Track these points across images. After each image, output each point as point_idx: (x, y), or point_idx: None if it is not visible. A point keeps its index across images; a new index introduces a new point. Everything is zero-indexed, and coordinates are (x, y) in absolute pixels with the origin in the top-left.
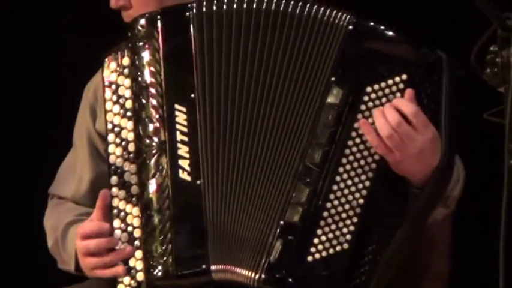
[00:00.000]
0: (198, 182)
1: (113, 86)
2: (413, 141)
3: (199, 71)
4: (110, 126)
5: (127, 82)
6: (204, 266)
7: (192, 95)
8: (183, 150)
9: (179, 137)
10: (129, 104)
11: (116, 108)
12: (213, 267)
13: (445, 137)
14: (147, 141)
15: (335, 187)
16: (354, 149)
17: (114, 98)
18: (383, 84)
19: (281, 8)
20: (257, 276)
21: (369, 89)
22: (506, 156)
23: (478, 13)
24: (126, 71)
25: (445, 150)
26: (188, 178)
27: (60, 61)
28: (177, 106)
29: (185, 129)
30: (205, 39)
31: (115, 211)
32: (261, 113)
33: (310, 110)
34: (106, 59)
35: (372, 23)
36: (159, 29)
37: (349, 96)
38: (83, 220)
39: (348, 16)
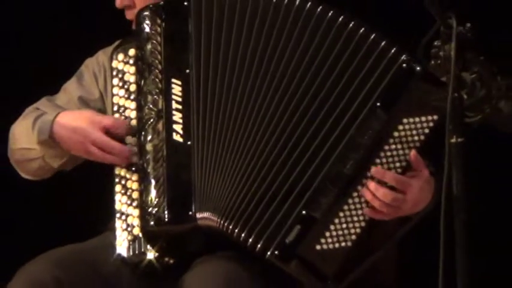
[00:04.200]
0: (189, 143)
1: (120, 74)
2: (406, 202)
3: (194, 51)
4: (115, 108)
5: (132, 70)
6: (190, 213)
7: (187, 71)
8: (177, 117)
9: (174, 105)
10: (133, 88)
11: (122, 92)
12: (198, 215)
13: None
14: (147, 110)
15: (355, 194)
16: (379, 167)
17: (121, 83)
18: (417, 119)
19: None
20: (269, 252)
21: (405, 120)
22: (446, 135)
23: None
24: (131, 60)
25: (438, 192)
26: (180, 140)
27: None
28: (173, 80)
29: (179, 99)
30: (203, 23)
31: (117, 179)
32: (259, 99)
33: (344, 125)
34: (115, 52)
35: (422, 66)
36: (162, 16)
37: (388, 121)
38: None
39: (404, 55)
